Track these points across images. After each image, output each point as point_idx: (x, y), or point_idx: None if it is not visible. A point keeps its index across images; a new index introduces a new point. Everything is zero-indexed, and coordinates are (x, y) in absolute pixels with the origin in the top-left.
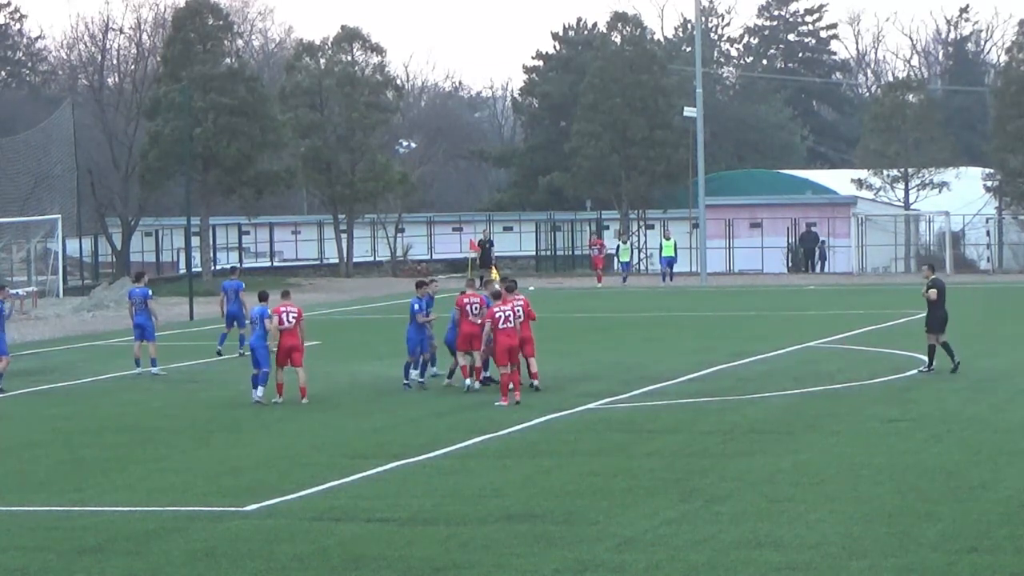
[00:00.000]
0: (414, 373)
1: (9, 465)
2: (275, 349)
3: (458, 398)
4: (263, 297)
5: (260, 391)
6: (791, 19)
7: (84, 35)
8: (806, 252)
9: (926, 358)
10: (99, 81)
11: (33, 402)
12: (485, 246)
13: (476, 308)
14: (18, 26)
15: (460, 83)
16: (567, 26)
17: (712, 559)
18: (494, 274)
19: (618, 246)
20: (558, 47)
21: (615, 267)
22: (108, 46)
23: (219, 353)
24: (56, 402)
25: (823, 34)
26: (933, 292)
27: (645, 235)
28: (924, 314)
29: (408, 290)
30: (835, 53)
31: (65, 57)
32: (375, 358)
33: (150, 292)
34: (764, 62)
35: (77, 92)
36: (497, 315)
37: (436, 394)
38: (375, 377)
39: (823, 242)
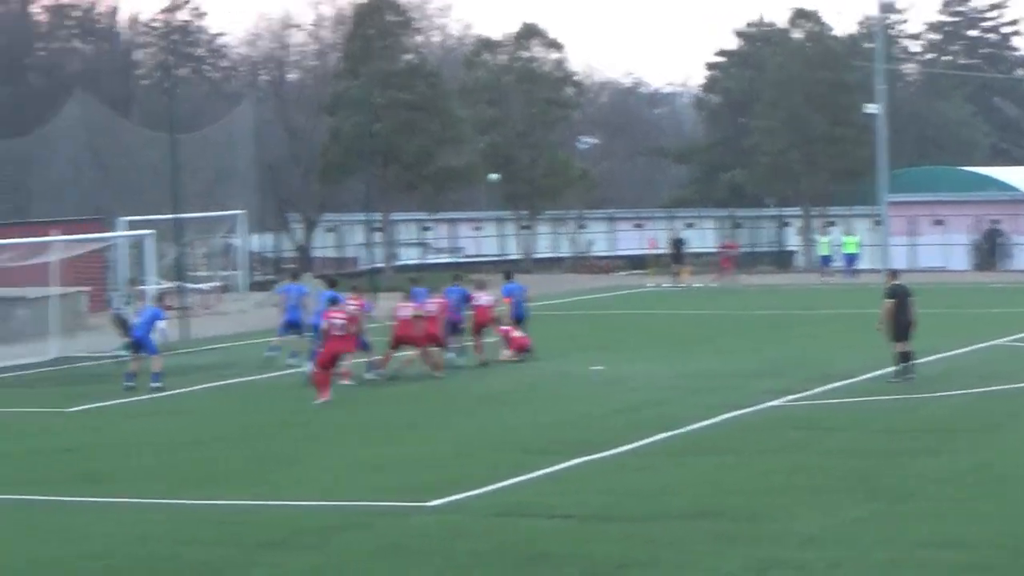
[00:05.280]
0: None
1: (193, 459)
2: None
3: (631, 395)
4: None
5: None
6: (972, 15)
7: (265, 31)
8: (991, 249)
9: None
10: (280, 77)
11: (215, 396)
12: (677, 244)
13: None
14: (200, 23)
15: (641, 80)
16: (749, 23)
17: (895, 557)
18: (683, 272)
19: (817, 240)
20: (740, 43)
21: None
22: (288, 42)
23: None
24: (237, 397)
25: (1004, 30)
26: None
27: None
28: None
29: (589, 286)
30: (1017, 49)
31: (246, 53)
32: (559, 355)
33: (308, 289)
34: (948, 58)
35: (258, 88)
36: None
37: (607, 390)
38: (560, 374)
39: (1004, 236)
